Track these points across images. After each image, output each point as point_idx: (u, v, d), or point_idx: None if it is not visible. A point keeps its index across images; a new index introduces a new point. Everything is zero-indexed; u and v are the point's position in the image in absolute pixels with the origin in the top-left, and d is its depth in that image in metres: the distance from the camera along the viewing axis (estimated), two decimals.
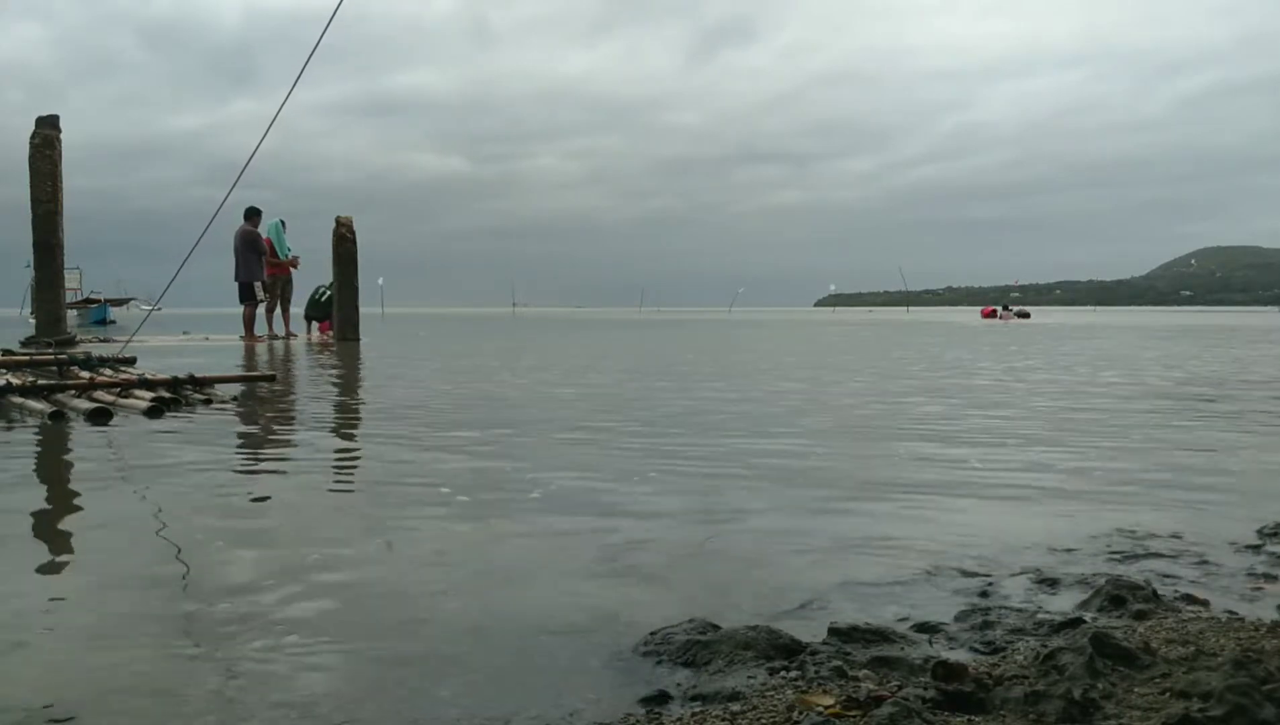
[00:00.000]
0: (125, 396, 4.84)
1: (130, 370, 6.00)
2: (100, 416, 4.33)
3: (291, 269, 13.71)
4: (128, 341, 6.93)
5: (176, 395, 4.96)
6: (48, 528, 2.37)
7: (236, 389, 5.55)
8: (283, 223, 13.54)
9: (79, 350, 7.15)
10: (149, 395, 4.81)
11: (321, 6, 3.99)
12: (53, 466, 3.35)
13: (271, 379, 6.08)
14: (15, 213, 10.90)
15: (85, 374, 5.56)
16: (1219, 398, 5.41)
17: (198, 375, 5.35)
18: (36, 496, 2.78)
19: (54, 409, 4.41)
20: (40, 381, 5.05)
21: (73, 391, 4.87)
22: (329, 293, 15.02)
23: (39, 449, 3.66)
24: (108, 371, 5.79)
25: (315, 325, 15.23)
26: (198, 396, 5.03)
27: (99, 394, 4.88)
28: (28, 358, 6.56)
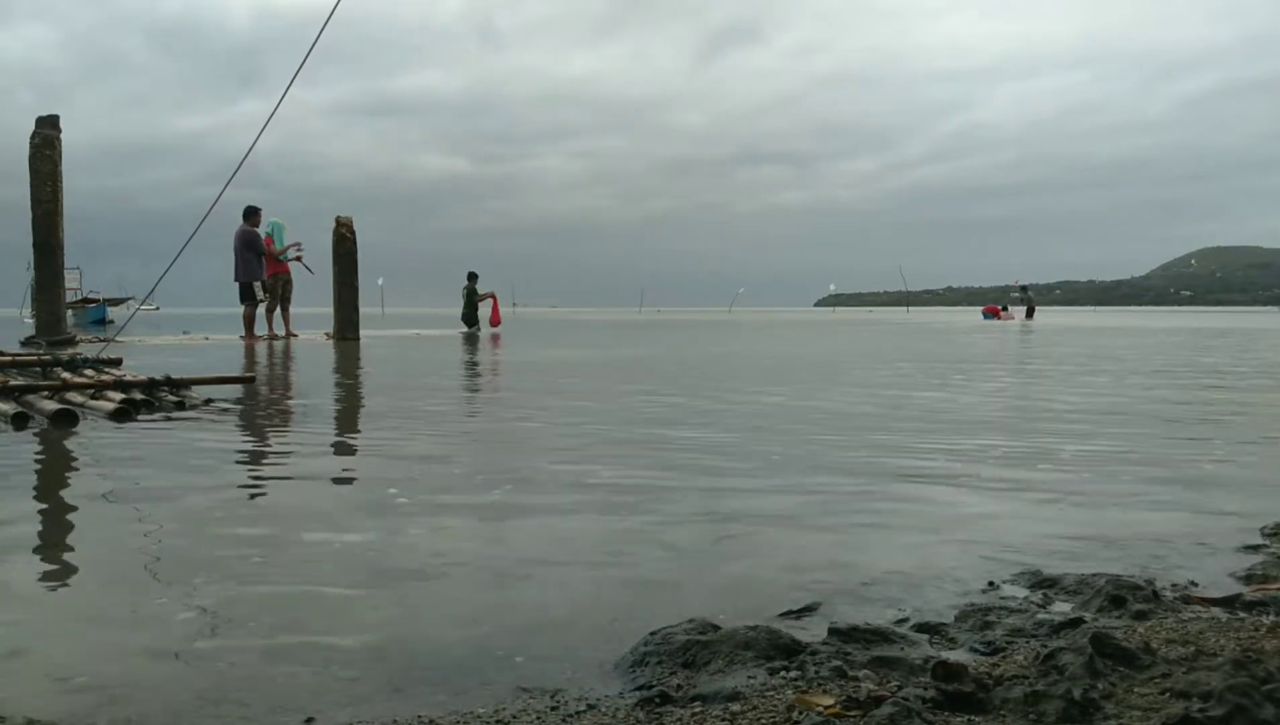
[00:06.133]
0: (97, 398, 4.73)
1: (113, 371, 5.87)
2: (66, 419, 4.18)
3: (304, 267, 13.72)
4: (110, 341, 6.86)
5: (150, 397, 4.84)
6: None
7: (214, 391, 5.42)
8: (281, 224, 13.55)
9: (69, 351, 7.09)
10: (118, 397, 4.69)
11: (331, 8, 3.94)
12: None
13: (250, 381, 5.98)
14: (17, 213, 10.90)
15: (65, 375, 5.44)
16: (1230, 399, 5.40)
17: (175, 376, 5.23)
18: None
19: (18, 411, 4.27)
20: (11, 382, 4.93)
21: (44, 392, 4.76)
22: (469, 293, 17.48)
23: None
24: (90, 372, 5.69)
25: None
26: (171, 398, 4.91)
27: (70, 396, 4.77)
28: (10, 358, 6.48)
